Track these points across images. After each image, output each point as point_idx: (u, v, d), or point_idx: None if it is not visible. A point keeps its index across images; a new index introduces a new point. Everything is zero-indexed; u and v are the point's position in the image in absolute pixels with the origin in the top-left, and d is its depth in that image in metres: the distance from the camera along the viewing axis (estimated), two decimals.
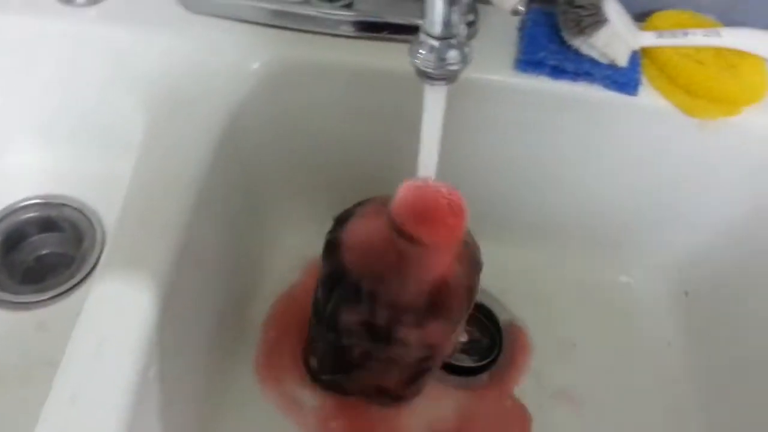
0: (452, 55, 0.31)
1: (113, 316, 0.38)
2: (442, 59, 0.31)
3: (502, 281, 0.62)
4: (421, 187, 0.37)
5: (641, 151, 0.54)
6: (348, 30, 0.50)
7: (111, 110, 0.53)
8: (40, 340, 0.49)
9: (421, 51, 0.31)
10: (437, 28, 0.30)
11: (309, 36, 0.50)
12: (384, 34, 0.49)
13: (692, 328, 0.61)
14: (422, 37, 0.31)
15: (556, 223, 0.61)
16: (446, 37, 0.30)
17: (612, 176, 0.56)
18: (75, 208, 0.55)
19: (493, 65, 0.50)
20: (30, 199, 0.55)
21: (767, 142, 0.51)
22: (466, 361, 0.58)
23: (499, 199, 0.59)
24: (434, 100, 0.34)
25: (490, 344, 0.59)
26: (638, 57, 0.51)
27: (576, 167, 0.56)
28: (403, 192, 0.37)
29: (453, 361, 0.57)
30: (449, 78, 0.32)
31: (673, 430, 0.57)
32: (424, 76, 0.32)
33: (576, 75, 0.50)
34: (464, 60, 0.32)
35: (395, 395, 0.55)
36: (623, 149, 0.54)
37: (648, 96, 0.50)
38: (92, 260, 0.53)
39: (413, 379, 0.52)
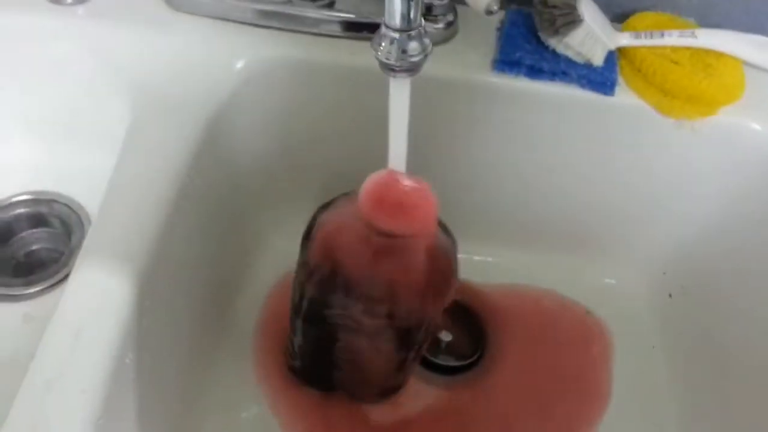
0: (413, 46, 0.32)
1: (91, 305, 0.38)
2: (403, 51, 0.32)
3: (481, 281, 0.63)
4: (386, 180, 0.38)
5: (618, 152, 0.54)
6: (329, 29, 0.51)
7: (98, 107, 0.54)
8: (26, 332, 0.50)
9: (382, 44, 0.32)
10: (397, 21, 0.31)
11: (291, 35, 0.51)
12: (363, 34, 0.50)
13: (676, 331, 0.61)
14: (383, 30, 0.32)
15: (537, 226, 0.62)
16: (406, 30, 0.31)
17: (590, 177, 0.57)
18: (64, 204, 0.56)
19: (472, 65, 0.51)
20: (19, 195, 0.57)
21: (744, 141, 0.52)
22: (452, 361, 0.59)
23: (478, 202, 0.60)
24: (399, 92, 0.35)
25: (473, 343, 0.60)
26: (615, 57, 0.52)
27: (554, 168, 0.56)
28: (369, 185, 0.37)
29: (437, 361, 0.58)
30: (411, 69, 0.33)
31: None
32: (387, 68, 0.33)
33: (552, 74, 0.50)
34: (425, 50, 0.32)
35: (379, 389, 0.55)
36: (600, 150, 0.54)
37: (624, 96, 0.51)
38: None
39: (395, 372, 0.53)
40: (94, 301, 0.39)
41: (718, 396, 0.55)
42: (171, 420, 0.48)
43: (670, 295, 0.62)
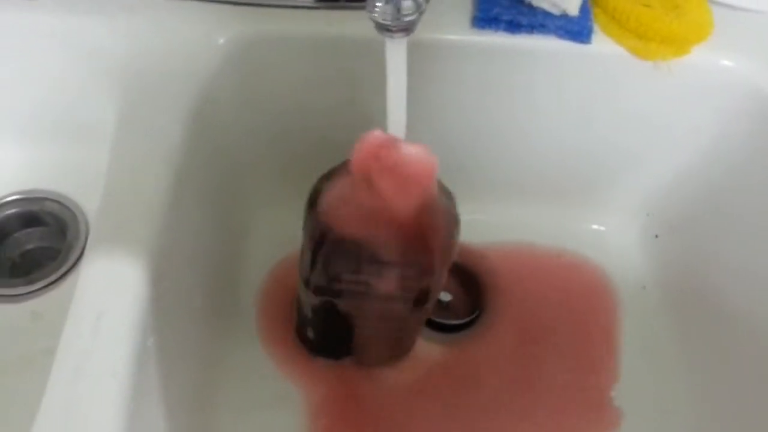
0: (407, 5, 0.33)
1: (107, 293, 0.39)
2: (398, 10, 0.33)
3: (476, 240, 0.64)
4: (381, 141, 0.38)
5: (599, 99, 0.56)
6: (307, 1, 0.51)
7: (80, 100, 0.53)
8: (35, 330, 0.50)
9: (377, 4, 0.33)
10: None
11: (270, 9, 0.51)
12: (342, 2, 0.51)
13: (665, 270, 0.63)
14: None
15: (524, 179, 0.63)
16: None
17: (573, 127, 0.58)
18: (55, 201, 0.56)
19: (452, 25, 0.52)
20: (9, 195, 0.56)
21: (716, 77, 0.53)
22: (452, 319, 0.60)
23: (466, 159, 0.60)
24: (396, 53, 0.35)
25: (472, 300, 0.62)
26: (589, 5, 0.53)
27: (537, 119, 0.57)
28: (363, 145, 0.38)
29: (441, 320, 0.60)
30: (407, 29, 0.34)
31: (653, 370, 0.59)
32: (384, 29, 0.34)
33: (531, 27, 0.51)
34: (419, 9, 0.33)
35: (391, 353, 0.56)
36: (582, 98, 0.55)
37: (601, 43, 0.52)
38: (78, 250, 0.54)
39: (406, 334, 0.54)
40: (110, 288, 0.39)
41: (715, 327, 0.58)
42: (192, 394, 0.49)
43: (656, 236, 0.65)
